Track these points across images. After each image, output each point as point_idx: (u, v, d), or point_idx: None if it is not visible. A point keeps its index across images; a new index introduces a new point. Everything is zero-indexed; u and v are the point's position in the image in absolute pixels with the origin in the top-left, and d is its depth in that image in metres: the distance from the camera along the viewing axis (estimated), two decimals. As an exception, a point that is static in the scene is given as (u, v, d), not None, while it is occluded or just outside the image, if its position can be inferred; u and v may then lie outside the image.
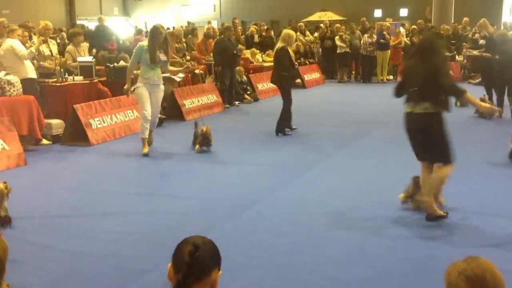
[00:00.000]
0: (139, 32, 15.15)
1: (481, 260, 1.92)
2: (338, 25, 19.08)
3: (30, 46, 9.07)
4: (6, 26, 9.27)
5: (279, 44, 9.13)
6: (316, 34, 19.89)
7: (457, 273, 1.88)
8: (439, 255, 4.31)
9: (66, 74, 9.50)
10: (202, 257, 1.94)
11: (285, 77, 9.11)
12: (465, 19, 19.58)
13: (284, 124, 9.31)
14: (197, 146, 8.13)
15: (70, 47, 10.48)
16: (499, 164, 7.18)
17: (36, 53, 9.07)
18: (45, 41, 9.49)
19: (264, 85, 14.46)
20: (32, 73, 8.92)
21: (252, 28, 19.63)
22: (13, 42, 8.66)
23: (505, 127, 9.57)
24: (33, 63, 9.06)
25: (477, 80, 14.85)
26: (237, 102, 13.12)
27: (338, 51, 17.90)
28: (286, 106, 9.26)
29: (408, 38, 18.01)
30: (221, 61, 12.60)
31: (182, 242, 2.02)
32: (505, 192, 6.11)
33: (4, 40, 8.80)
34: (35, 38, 9.79)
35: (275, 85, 9.84)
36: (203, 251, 1.95)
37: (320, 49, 19.08)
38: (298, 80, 10.36)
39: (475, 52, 14.74)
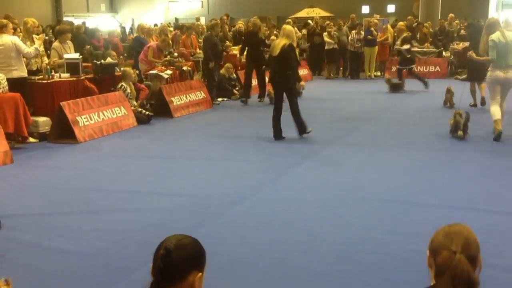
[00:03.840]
0: (142, 29, 13.85)
1: (461, 224, 2.05)
2: (328, 22, 19.08)
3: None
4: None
5: (284, 41, 8.33)
6: (304, 31, 19.88)
7: (436, 232, 2.04)
8: (425, 251, 4.32)
9: (53, 71, 9.43)
10: (175, 261, 1.86)
11: (290, 76, 8.41)
12: (451, 15, 19.71)
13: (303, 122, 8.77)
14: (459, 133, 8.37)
15: (56, 44, 10.38)
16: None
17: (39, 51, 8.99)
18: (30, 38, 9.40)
19: (253, 81, 14.44)
20: (26, 71, 8.84)
21: (240, 24, 19.55)
22: (15, 39, 8.48)
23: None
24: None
25: (464, 76, 14.95)
26: (219, 99, 13.12)
27: (326, 47, 17.92)
28: (296, 105, 8.69)
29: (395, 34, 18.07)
30: (213, 57, 12.56)
31: (161, 242, 1.95)
32: (491, 185, 6.17)
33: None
34: (20, 36, 9.66)
35: (279, 87, 8.68)
36: (177, 255, 1.87)
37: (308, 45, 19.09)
38: (303, 83, 9.43)
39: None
